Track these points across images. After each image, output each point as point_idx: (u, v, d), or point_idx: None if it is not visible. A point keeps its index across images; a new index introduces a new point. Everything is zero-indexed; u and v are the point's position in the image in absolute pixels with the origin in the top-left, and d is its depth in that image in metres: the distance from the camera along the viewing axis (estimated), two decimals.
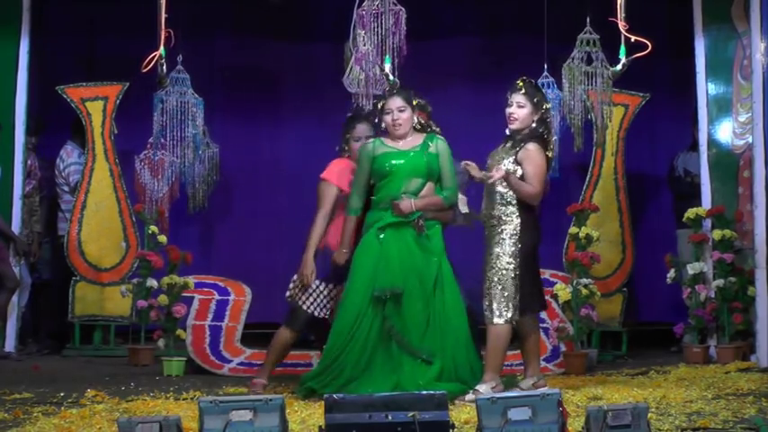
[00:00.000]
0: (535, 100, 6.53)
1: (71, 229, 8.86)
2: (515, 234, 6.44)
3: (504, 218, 6.46)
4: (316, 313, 6.79)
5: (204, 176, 8.87)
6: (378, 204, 6.59)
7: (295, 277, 6.83)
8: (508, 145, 6.56)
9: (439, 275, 6.51)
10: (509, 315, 6.42)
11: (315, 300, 6.79)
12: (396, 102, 6.58)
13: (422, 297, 6.45)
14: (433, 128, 6.73)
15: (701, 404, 5.92)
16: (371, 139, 6.70)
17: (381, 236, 6.50)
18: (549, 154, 6.60)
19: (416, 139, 6.62)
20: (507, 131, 6.59)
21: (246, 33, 9.72)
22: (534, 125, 6.52)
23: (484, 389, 6.23)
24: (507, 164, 6.47)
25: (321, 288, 6.80)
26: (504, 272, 6.42)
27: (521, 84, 6.56)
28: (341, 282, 6.72)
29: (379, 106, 6.65)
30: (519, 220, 6.44)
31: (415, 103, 6.64)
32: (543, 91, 6.83)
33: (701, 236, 8.32)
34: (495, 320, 6.42)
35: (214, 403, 4.65)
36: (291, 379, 7.05)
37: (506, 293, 6.41)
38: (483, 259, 6.53)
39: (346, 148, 6.94)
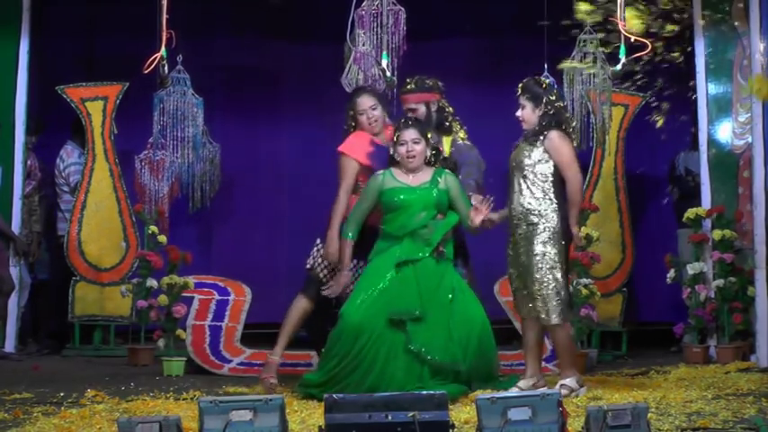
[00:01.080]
0: (528, 96, 6.52)
1: (71, 229, 8.85)
2: (558, 231, 6.38)
3: (543, 213, 6.38)
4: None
5: (204, 176, 8.89)
6: (389, 235, 6.59)
7: (319, 243, 6.74)
8: (531, 139, 6.48)
9: (456, 284, 6.54)
10: (565, 313, 6.41)
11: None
12: (411, 133, 6.60)
13: (439, 307, 6.44)
14: (447, 108, 6.78)
15: (700, 404, 5.91)
16: (381, 171, 6.67)
17: (392, 272, 6.49)
18: (575, 143, 6.61)
19: (426, 174, 6.64)
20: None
21: (246, 33, 9.72)
22: (542, 120, 6.47)
23: (570, 382, 6.40)
24: (536, 156, 6.42)
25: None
26: (553, 271, 6.36)
27: (521, 85, 6.58)
28: (363, 258, 6.67)
29: (394, 138, 6.64)
30: (559, 216, 6.40)
31: (429, 135, 6.66)
32: (546, 85, 6.61)
33: (700, 236, 8.32)
34: (554, 321, 6.38)
35: (214, 403, 4.65)
36: (291, 379, 7.04)
37: (562, 293, 6.36)
38: (517, 259, 6.44)
39: (353, 124, 6.82)
